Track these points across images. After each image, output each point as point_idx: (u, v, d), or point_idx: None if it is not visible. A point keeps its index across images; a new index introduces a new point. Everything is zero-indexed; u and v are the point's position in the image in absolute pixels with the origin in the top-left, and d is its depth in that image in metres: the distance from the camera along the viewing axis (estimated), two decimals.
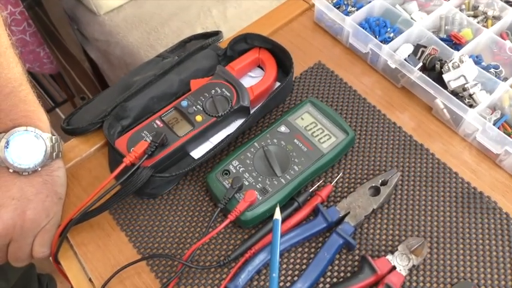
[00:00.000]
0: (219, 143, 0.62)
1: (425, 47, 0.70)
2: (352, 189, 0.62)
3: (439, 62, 0.68)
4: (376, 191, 0.61)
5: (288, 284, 0.56)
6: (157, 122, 0.63)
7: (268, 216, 0.59)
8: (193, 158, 0.64)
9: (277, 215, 0.49)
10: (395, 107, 0.70)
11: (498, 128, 0.63)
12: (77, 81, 1.43)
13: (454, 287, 0.55)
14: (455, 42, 0.71)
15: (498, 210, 0.60)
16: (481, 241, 0.58)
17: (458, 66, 0.64)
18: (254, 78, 0.71)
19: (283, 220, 0.59)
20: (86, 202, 0.56)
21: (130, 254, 0.58)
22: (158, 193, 0.62)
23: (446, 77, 0.65)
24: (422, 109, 0.69)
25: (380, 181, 0.61)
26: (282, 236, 0.57)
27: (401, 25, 0.73)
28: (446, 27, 0.73)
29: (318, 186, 0.62)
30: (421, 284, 0.55)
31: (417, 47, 0.71)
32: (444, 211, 0.60)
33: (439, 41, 0.70)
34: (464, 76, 0.64)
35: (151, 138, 0.60)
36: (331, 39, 0.77)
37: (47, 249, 0.58)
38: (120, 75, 1.18)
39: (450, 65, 0.65)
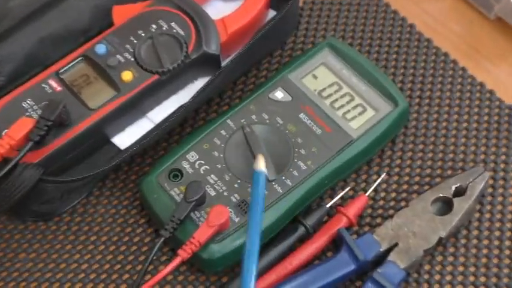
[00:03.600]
0: (163, 122, 0.47)
1: None
2: (402, 203, 0.48)
3: None
4: (446, 206, 0.47)
5: None
6: (52, 82, 0.48)
7: None
8: (117, 148, 0.49)
9: (262, 165, 0.42)
10: (484, 54, 0.54)
11: None
12: None
13: None
14: None
15: None
16: None
17: None
18: (228, 4, 0.55)
19: (283, 257, 0.44)
20: None
21: None
22: (53, 211, 0.47)
23: None
24: None
25: (453, 188, 0.47)
26: (282, 284, 0.43)
27: None
28: None
29: (341, 197, 0.48)
30: None
31: None
32: None
33: None
34: None
35: (40, 112, 0.46)
36: None
37: None
38: None
39: None
